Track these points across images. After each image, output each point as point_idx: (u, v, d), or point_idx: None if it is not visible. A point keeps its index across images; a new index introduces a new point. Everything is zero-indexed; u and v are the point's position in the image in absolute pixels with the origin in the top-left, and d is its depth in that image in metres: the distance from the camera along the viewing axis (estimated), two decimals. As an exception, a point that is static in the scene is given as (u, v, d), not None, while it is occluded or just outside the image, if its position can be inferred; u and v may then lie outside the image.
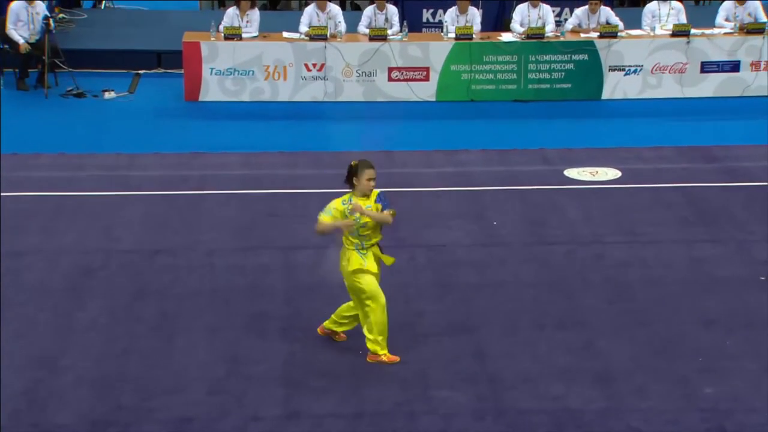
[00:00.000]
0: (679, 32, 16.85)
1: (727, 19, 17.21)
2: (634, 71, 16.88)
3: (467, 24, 17.18)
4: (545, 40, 16.99)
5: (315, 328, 9.79)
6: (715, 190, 13.11)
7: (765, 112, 16.20)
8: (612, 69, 16.89)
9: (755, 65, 16.80)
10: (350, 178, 9.11)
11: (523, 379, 9.04)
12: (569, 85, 16.97)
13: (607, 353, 9.44)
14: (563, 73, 16.98)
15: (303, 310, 10.23)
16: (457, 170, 13.95)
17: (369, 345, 9.28)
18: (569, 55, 16.93)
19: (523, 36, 17.08)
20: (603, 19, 17.21)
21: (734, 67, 16.82)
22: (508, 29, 17.65)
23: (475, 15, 17.36)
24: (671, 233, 11.89)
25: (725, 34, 16.96)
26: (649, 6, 17.48)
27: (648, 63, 16.85)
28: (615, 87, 16.90)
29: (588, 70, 16.93)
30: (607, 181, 13.51)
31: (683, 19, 17.21)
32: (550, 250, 11.51)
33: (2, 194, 12.72)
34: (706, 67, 16.85)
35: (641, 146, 14.71)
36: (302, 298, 10.48)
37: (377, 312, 9.16)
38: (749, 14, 17.13)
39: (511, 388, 8.92)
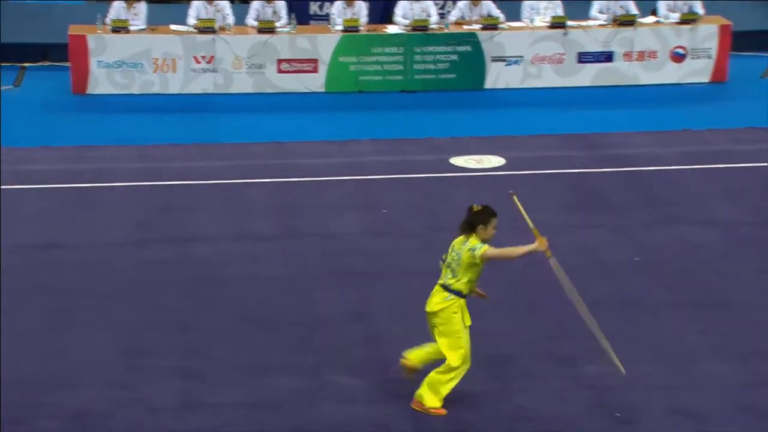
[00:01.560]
0: (557, 24, 17.03)
1: (600, 11, 17.45)
2: (515, 62, 17.02)
3: (354, 16, 17.11)
4: (430, 32, 17.02)
5: (214, 319, 9.67)
6: (595, 176, 13.29)
7: (639, 100, 16.48)
8: (494, 60, 16.99)
9: (628, 55, 17.07)
10: (474, 224, 8.28)
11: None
12: (453, 76, 17.03)
13: (497, 337, 9.50)
14: (448, 64, 17.03)
15: (201, 303, 10.08)
16: (348, 160, 13.89)
17: (424, 395, 8.44)
18: (453, 47, 16.97)
19: (408, 28, 17.08)
20: (485, 12, 17.30)
21: (608, 57, 17.06)
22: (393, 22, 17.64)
23: (361, 8, 17.30)
24: (555, 219, 12.01)
25: (599, 26, 17.19)
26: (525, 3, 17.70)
27: (528, 54, 17.00)
28: (497, 77, 17.01)
29: (471, 61, 17.01)
30: (492, 168, 13.60)
31: (560, 12, 17.40)
32: (440, 238, 11.51)
33: None
34: (583, 58, 17.06)
35: (524, 134, 14.83)
36: (200, 290, 10.32)
37: (461, 374, 8.40)
38: (621, 6, 17.39)
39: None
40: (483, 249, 8.19)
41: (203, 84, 16.72)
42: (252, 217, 12.07)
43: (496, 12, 17.29)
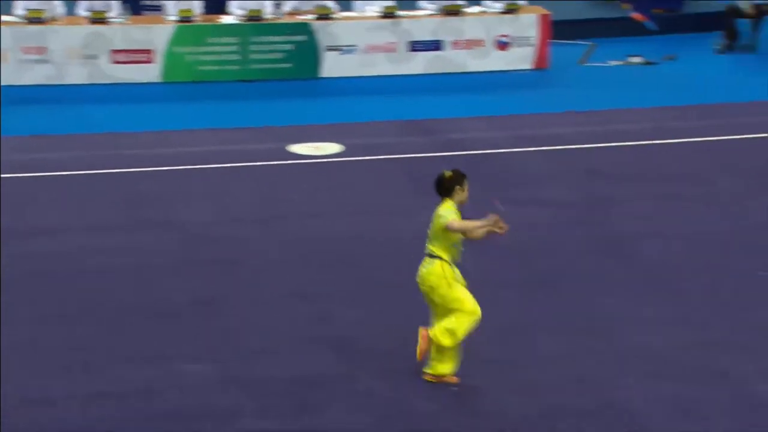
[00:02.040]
0: (388, 14, 17.29)
1: (429, 1, 17.78)
2: (350, 51, 17.19)
3: (188, 7, 16.97)
4: (264, 22, 17.03)
5: (63, 309, 9.51)
6: (431, 160, 13.56)
7: (469, 87, 16.87)
8: (329, 49, 17.12)
9: (456, 44, 17.45)
10: (451, 187, 8.42)
11: (265, 349, 9.10)
12: (290, 65, 17.08)
13: (343, 321, 9.65)
14: (283, 54, 17.07)
15: (49, 295, 9.90)
16: (188, 150, 13.81)
17: (434, 370, 8.51)
18: (288, 37, 17.03)
19: (243, 18, 17.05)
20: (319, 2, 17.41)
21: (438, 45, 17.41)
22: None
23: (195, -3, 17.16)
24: (394, 203, 12.23)
25: (429, 15, 17.52)
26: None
27: (362, 43, 17.20)
28: (333, 66, 17.15)
29: (306, 50, 17.10)
30: (331, 155, 13.73)
31: (390, 2, 17.66)
32: (283, 224, 11.62)
33: None
34: (414, 46, 17.36)
35: (361, 121, 15.02)
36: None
37: (468, 324, 8.42)
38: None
39: (254, 358, 8.96)
40: (450, 217, 8.31)
41: (36, 76, 16.33)
42: (98, 209, 11.90)
43: (330, 2, 17.44)
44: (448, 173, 8.52)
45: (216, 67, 16.91)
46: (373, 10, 17.50)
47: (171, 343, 9.17)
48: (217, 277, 10.39)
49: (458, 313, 8.40)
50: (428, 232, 8.49)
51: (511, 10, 17.59)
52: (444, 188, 8.47)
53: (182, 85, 16.57)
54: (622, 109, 15.44)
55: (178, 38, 16.72)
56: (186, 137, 14.27)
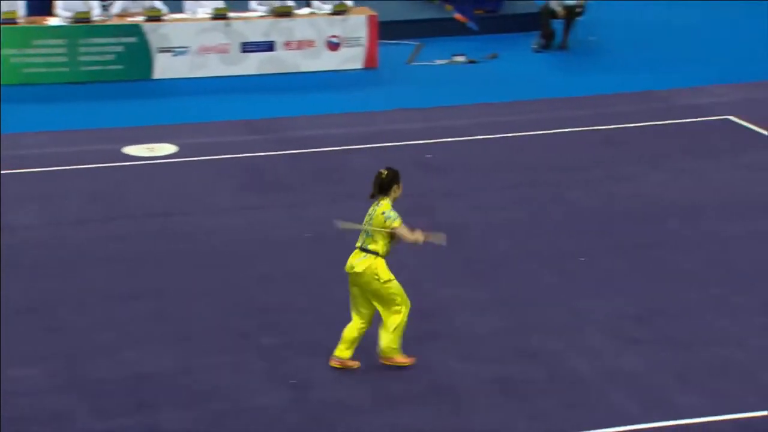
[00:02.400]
0: (219, 15, 17.28)
1: (259, 3, 17.84)
2: (182, 52, 17.11)
3: (11, 8, 16.59)
4: (93, 23, 16.80)
5: None
6: (267, 158, 13.65)
7: (302, 86, 16.98)
8: (161, 50, 17.00)
9: (288, 45, 17.57)
10: (389, 185, 8.65)
11: (98, 350, 9.04)
12: (121, 67, 16.88)
13: (181, 318, 9.67)
14: (114, 55, 16.86)
15: None
16: (19, 153, 13.53)
17: (386, 347, 8.74)
18: (118, 38, 16.83)
19: (71, 20, 16.77)
20: (148, 4, 17.27)
21: (270, 46, 17.49)
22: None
23: (17, -2, 16.78)
24: (230, 201, 12.28)
25: (260, 16, 17.59)
26: (189, -9, 17.81)
27: (194, 44, 17.13)
28: (165, 67, 17.04)
29: (137, 52, 16.92)
30: (165, 156, 13.67)
31: (221, 4, 17.65)
32: (119, 226, 11.53)
33: None
34: (247, 47, 17.40)
35: (195, 122, 14.98)
36: None
37: (405, 315, 8.72)
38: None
39: (88, 360, 8.90)
40: (397, 222, 8.59)
41: None
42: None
43: (159, 4, 17.32)
44: (384, 172, 8.66)
45: (44, 70, 16.58)
46: (205, 11, 17.46)
47: None
48: (43, 280, 10.24)
49: (395, 313, 8.68)
50: (364, 227, 8.66)
51: (340, 11, 17.81)
52: (382, 187, 8.66)
53: (8, 88, 16.15)
54: (448, 105, 15.81)
55: (2, 40, 16.32)
56: (15, 140, 13.96)
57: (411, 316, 9.68)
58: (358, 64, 17.88)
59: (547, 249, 10.99)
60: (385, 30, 18.66)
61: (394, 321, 8.70)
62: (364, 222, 8.75)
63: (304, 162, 13.53)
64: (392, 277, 8.71)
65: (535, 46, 19.13)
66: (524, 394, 8.51)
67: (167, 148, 13.87)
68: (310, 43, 17.65)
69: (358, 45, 17.86)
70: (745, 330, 9.44)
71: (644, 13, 21.71)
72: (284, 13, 17.54)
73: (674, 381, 8.68)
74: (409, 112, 15.57)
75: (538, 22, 19.25)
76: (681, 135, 14.34)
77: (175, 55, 17.10)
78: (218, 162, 13.50)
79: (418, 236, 8.73)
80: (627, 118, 14.83)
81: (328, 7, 17.95)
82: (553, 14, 19.10)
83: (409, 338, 9.32)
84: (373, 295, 8.69)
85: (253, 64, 17.42)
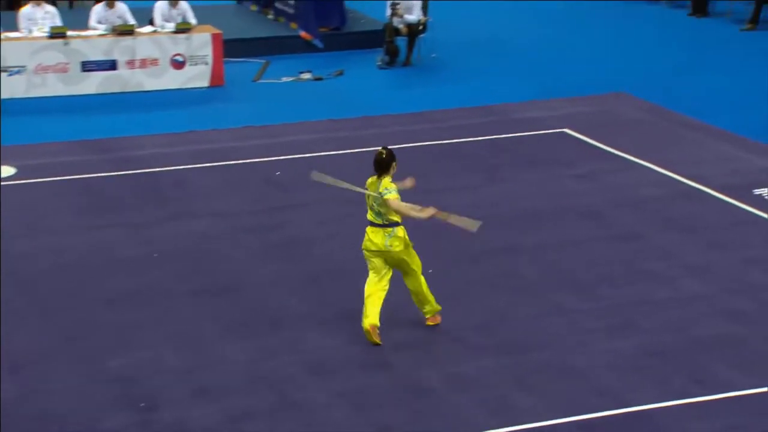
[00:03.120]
0: (57, 34, 16.78)
1: (99, 22, 17.44)
2: (18, 72, 16.56)
3: None
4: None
5: None
6: (109, 179, 13.29)
7: (145, 105, 16.65)
8: (-3, 70, 16.46)
9: (130, 63, 17.17)
10: (389, 164, 9.21)
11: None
12: (-44, 87, 16.29)
13: (22, 342, 9.27)
14: (-54, 76, 16.26)
15: None
16: None
17: (432, 309, 9.51)
18: (-54, 61, 16.24)
19: None
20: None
21: (112, 65, 17.06)
22: None
23: None
24: (71, 221, 11.89)
25: (100, 35, 17.15)
26: (24, 10, 17.27)
27: (31, 64, 16.61)
28: (2, 87, 16.45)
29: (-29, 72, 16.35)
30: (4, 178, 13.16)
31: (59, 22, 17.16)
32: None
33: None
34: (87, 66, 16.94)
35: (34, 143, 14.48)
36: None
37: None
38: (119, 17, 17.49)
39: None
40: (392, 195, 9.13)
41: None
42: None
43: (-10, 24, 16.80)
44: (383, 151, 9.23)
45: None
46: (42, 30, 16.93)
47: None
48: None
49: (417, 274, 9.42)
50: (373, 204, 9.20)
51: (183, 30, 17.50)
52: (382, 166, 9.22)
53: None
54: (295, 122, 15.72)
55: None
56: None
57: (258, 331, 9.55)
58: (203, 83, 17.62)
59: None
60: (230, 48, 18.50)
61: (422, 280, 9.43)
62: (371, 200, 9.26)
63: (146, 181, 13.22)
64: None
65: (380, 63, 19.22)
66: (373, 405, 8.41)
67: (5, 170, 13.36)
68: (153, 62, 17.30)
69: (203, 63, 17.59)
70: (583, 335, 9.56)
71: (482, 31, 22.11)
72: (126, 31, 17.14)
73: (515, 385, 8.70)
74: (257, 129, 15.42)
75: (382, 39, 19.34)
76: (519, 147, 14.54)
77: (10, 75, 16.54)
78: (58, 183, 13.07)
79: (424, 212, 9.23)
80: (467, 131, 14.98)
81: (171, 26, 17.62)
82: (396, 31, 19.22)
83: (255, 353, 9.15)
84: (399, 261, 9.31)
85: (95, 84, 16.98)
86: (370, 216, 9.30)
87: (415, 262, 9.41)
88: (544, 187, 13.06)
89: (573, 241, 11.48)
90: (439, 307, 9.58)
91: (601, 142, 14.76)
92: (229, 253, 11.21)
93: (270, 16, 21.72)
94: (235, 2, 23.57)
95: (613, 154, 14.32)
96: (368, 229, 9.30)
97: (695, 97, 17.41)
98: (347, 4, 21.23)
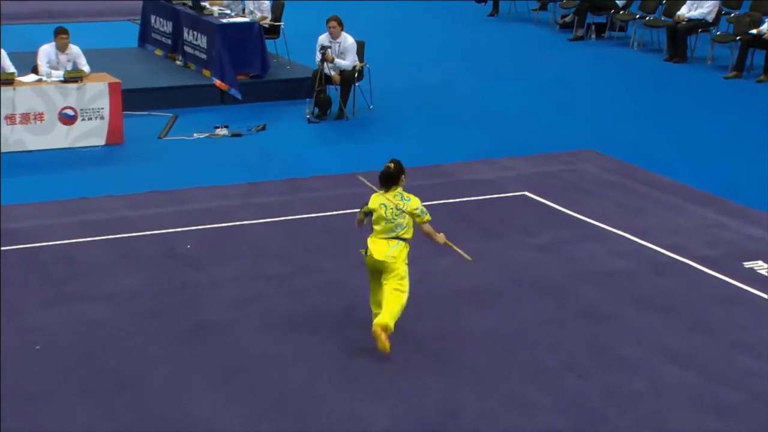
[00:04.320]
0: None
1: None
2: None
3: None
4: None
5: None
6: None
7: (28, 167, 16.45)
8: None
9: (10, 118, 16.99)
10: (399, 175, 10.62)
11: None
12: None
13: None
14: None
15: None
16: None
17: (390, 323, 10.43)
18: None
19: None
20: None
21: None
22: None
23: None
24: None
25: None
26: None
27: None
28: None
29: None
30: None
31: None
32: None
33: None
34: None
35: None
36: None
37: (406, 299, 10.59)
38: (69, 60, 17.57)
39: None
40: (428, 217, 10.72)
41: None
42: None
43: None
44: (391, 164, 10.60)
45: None
46: None
47: None
48: None
49: (400, 293, 10.56)
50: (391, 218, 10.55)
51: (73, 78, 17.38)
52: (393, 178, 10.58)
53: None
54: (208, 186, 15.63)
55: None
56: None
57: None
58: (99, 140, 17.51)
59: (327, 342, 10.83)
60: (131, 99, 18.48)
61: (401, 299, 10.52)
62: (389, 213, 10.55)
63: (26, 258, 12.98)
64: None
65: (309, 116, 19.26)
66: None
67: None
68: (38, 116, 17.14)
69: (99, 117, 17.50)
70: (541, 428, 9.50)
71: (428, 78, 22.30)
72: (6, 80, 16.98)
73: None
74: (162, 194, 15.30)
75: (311, 88, 19.39)
76: (471, 214, 14.56)
77: None
78: None
79: (440, 237, 10.88)
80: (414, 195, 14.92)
81: (59, 74, 17.50)
82: (327, 79, 19.29)
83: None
84: (389, 273, 10.53)
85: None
86: (380, 228, 10.58)
87: (401, 282, 10.53)
88: (499, 260, 13.06)
89: (533, 323, 11.45)
90: (392, 329, 10.49)
91: (565, 207, 14.84)
92: (127, 343, 11.01)
93: (178, 62, 21.76)
94: (136, 46, 23.60)
95: (579, 220, 14.39)
96: (371, 239, 10.63)
97: (672, 154, 17.63)
98: (270, 48, 21.32)
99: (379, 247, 10.52)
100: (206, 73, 20.60)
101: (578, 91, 21.73)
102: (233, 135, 18.30)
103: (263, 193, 15.40)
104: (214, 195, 15.30)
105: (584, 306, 11.88)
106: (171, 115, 19.31)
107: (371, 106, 19.93)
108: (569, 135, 18.54)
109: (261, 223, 14.27)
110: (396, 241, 10.53)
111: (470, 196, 15.15)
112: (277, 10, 22.51)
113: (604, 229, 14.08)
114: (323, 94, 19.32)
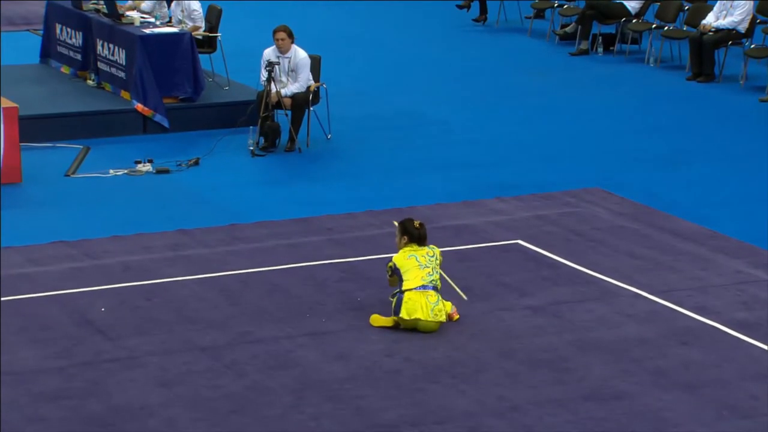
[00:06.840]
0: None
1: None
2: None
3: None
4: None
5: None
6: None
7: None
8: None
9: None
10: (426, 236, 12.84)
11: None
12: None
13: None
14: None
15: None
16: None
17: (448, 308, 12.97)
18: None
19: None
20: None
21: None
22: None
23: None
24: None
25: None
26: None
27: None
28: None
29: None
30: None
31: None
32: None
33: None
34: None
35: None
36: None
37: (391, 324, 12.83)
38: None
39: None
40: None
41: None
42: None
43: None
44: (419, 224, 12.81)
45: None
46: None
47: None
48: None
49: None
50: (432, 271, 12.66)
51: (-38, 102, 17.37)
52: (424, 236, 12.83)
53: None
54: (127, 235, 15.61)
55: None
56: None
57: None
58: (0, 180, 17.49)
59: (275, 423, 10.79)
60: (31, 128, 18.45)
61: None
62: (431, 267, 12.69)
63: None
64: None
65: (252, 148, 19.28)
66: None
67: None
68: None
69: (-10, 151, 17.47)
70: None
71: (396, 102, 22.35)
72: None
73: None
74: (68, 246, 15.28)
75: (256, 113, 19.39)
76: (451, 267, 14.50)
77: None
78: None
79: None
80: (375, 246, 14.95)
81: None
82: (277, 104, 19.29)
83: None
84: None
85: None
86: (423, 279, 12.58)
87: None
88: (484, 325, 13.04)
89: (526, 404, 11.41)
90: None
91: (566, 259, 14.84)
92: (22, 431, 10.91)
93: (91, 82, 21.76)
94: (38, 62, 23.57)
95: (584, 275, 14.40)
96: (416, 294, 12.54)
97: (696, 194, 17.67)
98: (204, 64, 21.33)
99: (430, 299, 12.60)
100: (125, 95, 20.59)
101: (582, 118, 21.81)
102: (159, 171, 18.30)
103: (195, 244, 15.36)
104: (135, 246, 15.25)
105: (590, 383, 11.84)
106: (81, 147, 19.29)
107: (329, 135, 19.96)
108: (572, 170, 18.57)
109: (192, 280, 14.24)
110: (437, 294, 12.73)
111: (451, 246, 15.11)
112: (212, 19, 22.48)
113: (615, 285, 14.07)
114: (270, 121, 19.33)
